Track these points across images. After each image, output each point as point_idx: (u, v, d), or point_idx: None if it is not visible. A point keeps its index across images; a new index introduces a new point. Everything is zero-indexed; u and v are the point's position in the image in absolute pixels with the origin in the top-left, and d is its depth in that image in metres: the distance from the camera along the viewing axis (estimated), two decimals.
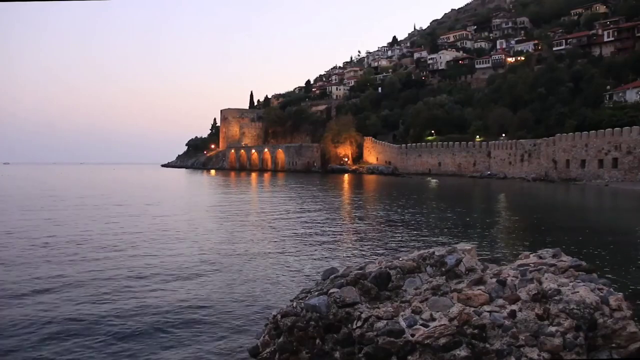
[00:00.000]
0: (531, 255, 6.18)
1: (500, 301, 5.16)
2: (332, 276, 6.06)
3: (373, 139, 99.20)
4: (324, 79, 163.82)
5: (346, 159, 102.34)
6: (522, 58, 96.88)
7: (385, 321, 5.17)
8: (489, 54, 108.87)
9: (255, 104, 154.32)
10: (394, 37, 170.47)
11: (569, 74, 77.83)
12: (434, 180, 68.83)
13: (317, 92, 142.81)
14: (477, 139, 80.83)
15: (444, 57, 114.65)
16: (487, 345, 4.84)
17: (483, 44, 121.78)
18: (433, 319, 5.06)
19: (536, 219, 24.64)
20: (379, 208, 30.39)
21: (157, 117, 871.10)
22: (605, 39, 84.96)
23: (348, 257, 14.49)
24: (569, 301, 4.92)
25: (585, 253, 14.03)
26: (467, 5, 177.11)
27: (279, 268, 12.97)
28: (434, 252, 5.92)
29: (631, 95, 65.45)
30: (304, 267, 13.06)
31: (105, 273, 12.18)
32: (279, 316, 5.67)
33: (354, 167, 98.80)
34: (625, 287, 10.11)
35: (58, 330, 8.13)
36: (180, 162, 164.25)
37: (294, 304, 5.75)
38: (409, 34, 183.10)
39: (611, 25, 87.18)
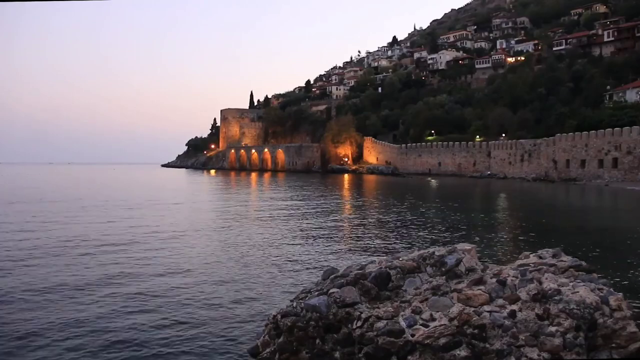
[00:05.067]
0: (531, 255, 6.18)
1: (500, 301, 5.16)
2: (332, 276, 6.06)
3: (373, 139, 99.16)
4: (324, 79, 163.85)
5: (346, 159, 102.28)
6: (522, 58, 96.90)
7: (385, 321, 5.17)
8: (489, 54, 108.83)
9: (255, 104, 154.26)
10: (394, 37, 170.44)
11: (569, 74, 77.82)
12: (433, 180, 68.81)
13: (317, 92, 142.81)
14: (477, 139, 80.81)
15: (444, 57, 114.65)
16: (487, 345, 4.84)
17: (483, 44, 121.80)
18: (433, 319, 5.05)
19: (536, 219, 24.63)
20: (379, 208, 30.40)
21: (157, 117, 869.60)
22: (605, 39, 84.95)
23: (348, 257, 14.48)
24: (569, 301, 4.92)
25: (585, 253, 14.03)
26: (467, 5, 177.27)
27: (279, 268, 12.96)
28: (434, 252, 5.91)
29: (631, 95, 65.42)
30: (304, 267, 13.06)
31: (103, 273, 12.17)
32: (279, 316, 5.67)
33: (354, 167, 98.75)
34: (625, 287, 10.10)
35: (57, 330, 8.13)
36: (180, 162, 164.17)
37: (294, 304, 5.75)
38: (409, 34, 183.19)
39: (611, 25, 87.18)
